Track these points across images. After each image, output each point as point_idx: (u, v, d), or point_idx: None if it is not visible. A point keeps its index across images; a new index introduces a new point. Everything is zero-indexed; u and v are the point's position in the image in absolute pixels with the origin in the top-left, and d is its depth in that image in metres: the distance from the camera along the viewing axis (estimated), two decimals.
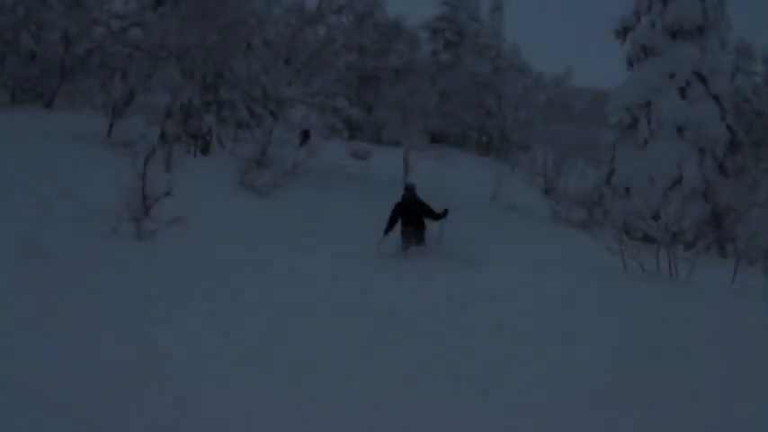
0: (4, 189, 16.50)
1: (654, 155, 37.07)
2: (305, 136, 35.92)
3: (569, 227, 34.62)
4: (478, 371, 8.03)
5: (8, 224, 12.26)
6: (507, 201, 38.76)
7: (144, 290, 9.56)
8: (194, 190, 17.84)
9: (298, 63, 37.49)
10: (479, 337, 9.23)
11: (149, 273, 10.66)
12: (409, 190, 18.79)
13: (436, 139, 59.14)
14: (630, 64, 40.70)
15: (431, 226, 18.35)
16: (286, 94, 36.10)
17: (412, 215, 18.04)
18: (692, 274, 15.64)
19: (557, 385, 7.72)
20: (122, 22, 33.61)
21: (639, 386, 7.75)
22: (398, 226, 18.05)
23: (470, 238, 22.23)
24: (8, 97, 36.27)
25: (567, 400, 7.38)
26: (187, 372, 7.20)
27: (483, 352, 8.66)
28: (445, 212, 18.35)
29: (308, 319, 9.31)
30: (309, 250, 15.10)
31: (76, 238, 12.09)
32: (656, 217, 18.67)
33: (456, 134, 68.14)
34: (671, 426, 6.94)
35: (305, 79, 39.48)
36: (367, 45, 44.08)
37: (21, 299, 8.57)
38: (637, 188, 36.80)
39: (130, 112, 30.34)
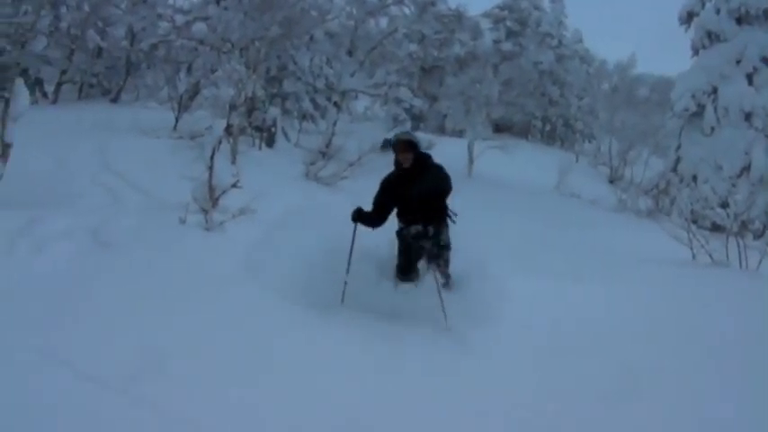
0: (73, 181, 16.70)
1: (721, 142, 36.64)
2: (386, 144, 36.26)
3: (635, 216, 34.29)
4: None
5: (78, 216, 12.38)
6: (572, 190, 38.51)
7: (212, 278, 9.62)
8: (260, 182, 17.87)
9: (360, 54, 37.55)
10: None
11: (218, 263, 10.73)
12: (405, 144, 10.61)
13: (499, 128, 59.05)
14: (695, 50, 40.25)
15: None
16: (349, 85, 36.20)
17: (415, 201, 10.12)
18: (762, 263, 15.43)
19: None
20: (186, 16, 33.88)
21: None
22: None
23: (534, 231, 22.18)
24: (76, 93, 36.74)
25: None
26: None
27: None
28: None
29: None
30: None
31: (145, 230, 12.19)
32: (724, 205, 18.45)
33: (519, 123, 67.97)
34: None
35: (368, 70, 39.52)
36: (429, 35, 43.93)
37: (91, 289, 8.66)
38: (704, 176, 36.46)
39: (195, 106, 30.59)
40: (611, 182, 50.71)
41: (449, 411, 6.70)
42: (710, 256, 16.05)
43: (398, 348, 8.22)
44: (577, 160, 57.91)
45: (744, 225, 18.55)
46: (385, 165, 28.51)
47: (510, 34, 71.54)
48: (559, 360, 7.95)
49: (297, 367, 7.37)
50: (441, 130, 61.79)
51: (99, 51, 36.55)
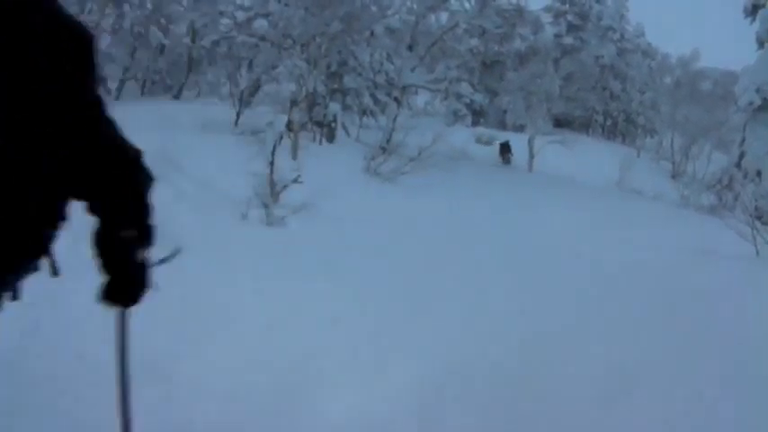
0: None
1: None
2: (504, 150, 36.38)
3: (698, 212, 33.93)
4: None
5: None
6: (634, 185, 38.19)
7: (275, 274, 9.66)
8: (321, 177, 17.96)
9: (421, 49, 37.54)
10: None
11: (281, 257, 10.79)
12: None
13: (560, 123, 58.75)
14: (761, 43, 39.61)
15: None
16: (410, 80, 36.18)
17: None
18: None
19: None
20: (247, 13, 34.10)
21: None
22: None
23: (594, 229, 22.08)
24: (139, 90, 37.19)
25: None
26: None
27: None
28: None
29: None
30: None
31: (208, 225, 12.28)
32: None
33: (580, 118, 67.55)
34: None
35: (428, 65, 39.51)
36: (490, 30, 43.83)
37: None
38: None
39: (257, 102, 30.79)
40: (674, 177, 50.26)
41: None
42: None
43: None
44: (639, 155, 57.46)
45: None
46: (446, 160, 28.53)
47: (571, 28, 71.15)
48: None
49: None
50: (501, 126, 61.64)
51: (161, 48, 36.99)
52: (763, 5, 39.44)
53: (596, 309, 9.68)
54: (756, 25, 39.86)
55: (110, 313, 3.20)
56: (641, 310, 9.69)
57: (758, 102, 37.77)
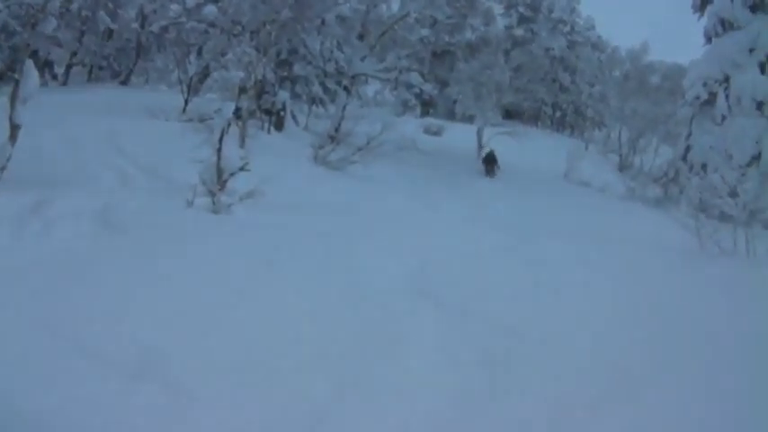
0: (82, 162, 16.76)
1: (732, 131, 36.53)
2: (489, 161, 35.95)
3: (644, 204, 34.25)
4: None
5: (86, 197, 12.43)
6: (581, 177, 38.45)
7: (218, 261, 9.65)
8: (268, 165, 17.93)
9: (371, 38, 37.49)
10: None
11: (224, 245, 10.77)
12: None
13: (510, 114, 59.10)
14: (708, 38, 40.11)
15: None
16: (359, 69, 36.16)
17: None
18: None
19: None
20: None
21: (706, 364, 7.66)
22: None
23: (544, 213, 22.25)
24: (86, 75, 36.86)
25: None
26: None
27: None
28: None
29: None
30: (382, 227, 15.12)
31: (153, 212, 12.24)
32: (733, 194, 18.36)
33: (530, 110, 68.05)
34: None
35: (378, 55, 39.47)
36: (441, 20, 43.92)
37: (97, 272, 8.70)
38: (714, 165, 36.31)
39: (205, 89, 30.67)
40: (621, 170, 50.67)
41: None
42: (718, 245, 16.02)
43: None
44: (587, 148, 57.91)
45: (752, 215, 18.51)
46: (394, 150, 28.64)
47: (522, 20, 71.54)
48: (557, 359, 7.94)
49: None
50: (451, 116, 61.87)
51: (109, 33, 36.66)
52: (712, 1, 39.87)
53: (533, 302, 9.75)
54: (704, 20, 40.31)
55: None
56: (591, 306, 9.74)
57: (705, 96, 38.21)
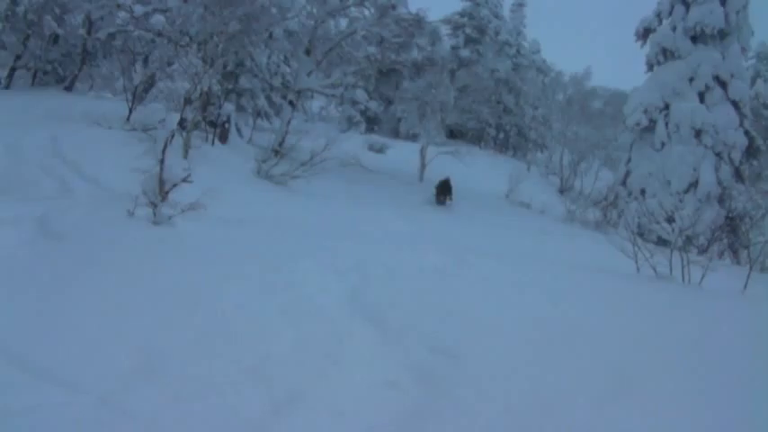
0: (23, 170, 16.64)
1: (670, 158, 37.17)
2: (442, 189, 34.93)
3: (583, 226, 34.59)
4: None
5: (26, 205, 12.38)
6: (522, 198, 38.74)
7: (155, 273, 9.65)
8: (211, 177, 17.93)
9: (318, 54, 37.53)
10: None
11: (163, 257, 10.76)
12: None
13: (454, 134, 59.32)
14: (650, 66, 40.83)
15: None
16: (305, 84, 36.19)
17: None
18: (705, 278, 15.64)
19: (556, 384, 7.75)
20: (145, 7, 33.71)
21: (639, 386, 7.78)
22: None
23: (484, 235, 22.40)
24: (29, 79, 36.53)
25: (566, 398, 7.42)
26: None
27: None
28: None
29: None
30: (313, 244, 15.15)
31: (93, 221, 12.20)
32: (670, 220, 18.64)
33: (474, 130, 68.34)
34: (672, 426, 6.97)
35: (325, 70, 39.52)
36: (388, 38, 43.98)
37: (35, 280, 8.68)
38: (652, 190, 37.00)
39: (150, 98, 30.50)
40: (562, 192, 51.12)
41: None
42: (654, 269, 16.23)
43: None
44: (529, 169, 58.29)
45: (688, 240, 18.79)
46: (337, 166, 28.75)
47: (468, 41, 71.87)
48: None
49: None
50: (395, 134, 62.05)
51: (55, 38, 36.38)
52: (654, 30, 40.52)
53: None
54: (647, 48, 40.96)
55: None
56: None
57: (645, 122, 38.77)
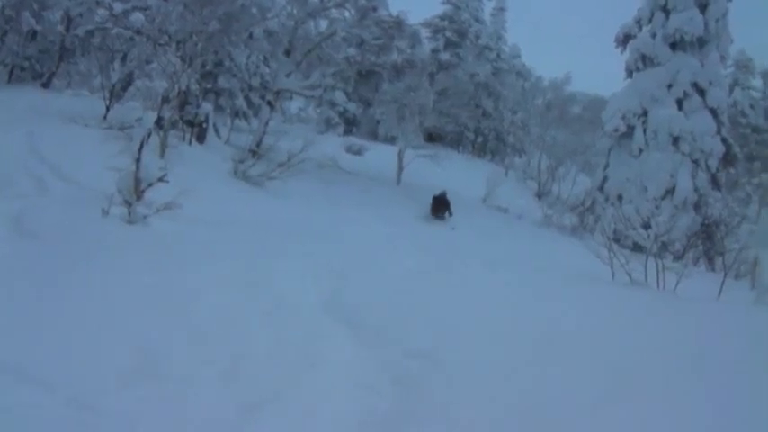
0: None
1: (648, 164, 37.35)
2: (438, 205, 32.60)
3: (560, 231, 34.67)
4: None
5: (1, 203, 12.31)
6: (500, 203, 38.78)
7: (128, 273, 9.61)
8: (187, 177, 17.82)
9: (298, 55, 37.44)
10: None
11: (138, 257, 10.71)
12: None
13: (432, 137, 59.28)
14: (629, 72, 41.02)
15: None
16: (284, 85, 36.10)
17: None
18: (680, 284, 15.68)
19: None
20: (125, 5, 33.54)
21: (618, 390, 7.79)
22: None
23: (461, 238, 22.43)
24: (6, 75, 36.30)
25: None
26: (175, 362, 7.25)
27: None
28: None
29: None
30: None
31: (68, 220, 12.13)
32: (646, 226, 18.71)
33: (452, 134, 68.33)
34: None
35: (304, 71, 39.44)
36: (368, 40, 43.96)
37: (8, 278, 8.63)
38: (629, 196, 37.15)
39: (128, 97, 30.36)
40: (539, 197, 51.19)
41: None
42: (629, 275, 16.27)
43: None
44: (507, 174, 58.36)
45: (664, 246, 18.87)
46: (314, 168, 28.65)
47: (449, 45, 71.87)
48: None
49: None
50: (373, 136, 61.96)
51: (33, 35, 36.16)
52: (634, 37, 40.69)
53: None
54: (626, 55, 41.15)
55: None
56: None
57: (623, 129, 38.95)
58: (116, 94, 29.92)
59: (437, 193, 33.01)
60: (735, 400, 7.54)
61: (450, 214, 32.09)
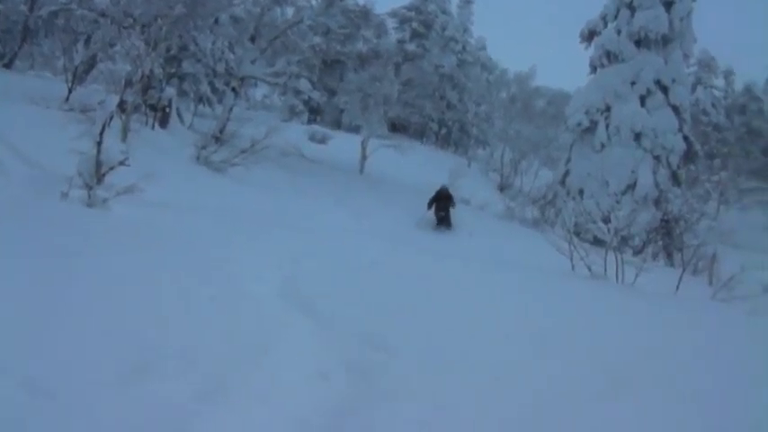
0: None
1: (609, 159, 37.62)
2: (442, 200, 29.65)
3: (522, 224, 34.83)
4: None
5: None
6: (462, 194, 38.86)
7: (83, 256, 9.53)
8: (149, 162, 17.74)
9: (263, 42, 37.34)
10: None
11: (96, 241, 10.64)
12: None
13: (396, 128, 59.31)
14: (594, 68, 41.27)
15: None
16: (249, 71, 36.00)
17: None
18: (638, 279, 15.81)
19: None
20: None
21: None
22: None
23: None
24: None
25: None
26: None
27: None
28: None
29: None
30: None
31: (27, 202, 12.04)
32: (606, 220, 18.83)
33: (416, 125, 68.48)
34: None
35: (269, 58, 39.34)
36: (334, 29, 43.97)
37: None
38: (590, 191, 37.39)
39: (91, 79, 30.14)
40: (501, 189, 51.38)
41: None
42: (589, 268, 16.38)
43: None
44: (470, 165, 58.56)
45: (624, 240, 19.00)
46: (278, 155, 28.59)
47: (414, 35, 71.95)
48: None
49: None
50: (337, 125, 62.02)
51: None
52: (599, 33, 40.90)
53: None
54: (591, 51, 41.38)
55: None
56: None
57: (586, 123, 39.17)
58: (79, 76, 29.71)
59: (438, 188, 30.27)
60: (696, 394, 7.62)
61: (454, 206, 29.70)
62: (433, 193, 30.20)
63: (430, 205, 29.19)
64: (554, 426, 6.79)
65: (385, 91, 43.34)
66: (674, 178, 38.84)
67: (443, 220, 28.73)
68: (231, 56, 37.12)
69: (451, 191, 30.64)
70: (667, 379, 8.04)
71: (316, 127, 56.67)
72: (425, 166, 46.04)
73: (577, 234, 21.75)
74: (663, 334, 10.31)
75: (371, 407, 6.75)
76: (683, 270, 18.76)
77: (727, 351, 9.65)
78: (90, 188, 13.09)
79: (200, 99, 39.14)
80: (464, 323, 9.58)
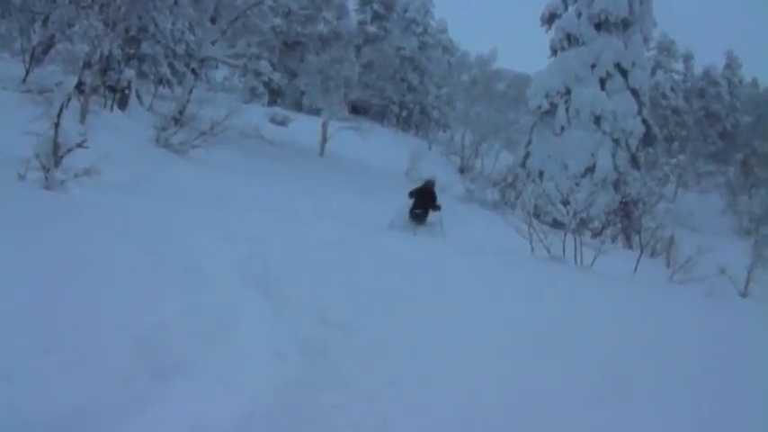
0: None
1: (569, 142, 37.86)
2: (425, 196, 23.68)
3: (482, 206, 34.97)
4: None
5: None
6: (422, 176, 38.92)
7: (40, 238, 9.46)
8: (108, 144, 17.64)
9: (224, 23, 37.12)
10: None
11: (53, 223, 10.56)
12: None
13: (357, 110, 59.36)
14: (554, 51, 41.46)
15: None
16: (209, 52, 35.79)
17: None
18: (597, 260, 15.93)
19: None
20: None
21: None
22: None
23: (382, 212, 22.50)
24: None
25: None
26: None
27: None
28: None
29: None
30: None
31: None
32: (565, 203, 18.95)
33: (377, 107, 68.52)
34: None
35: (229, 40, 39.13)
36: (295, 10, 43.81)
37: None
38: (550, 173, 37.61)
39: (48, 60, 29.84)
40: (462, 172, 51.51)
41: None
42: (548, 250, 16.48)
43: None
44: (430, 148, 58.76)
45: (582, 222, 19.15)
46: (238, 137, 28.49)
47: (376, 17, 71.88)
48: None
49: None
50: (298, 107, 61.82)
51: None
52: (560, 16, 41.04)
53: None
54: (552, 34, 41.52)
55: None
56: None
57: (546, 106, 39.38)
58: (36, 57, 29.43)
59: (420, 184, 25.26)
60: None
61: (439, 205, 23.71)
62: (413, 185, 26.45)
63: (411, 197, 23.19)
64: (499, 391, 6.85)
65: (346, 73, 43.33)
66: (633, 161, 39.17)
67: (418, 218, 22.68)
68: (191, 37, 36.90)
69: (410, 173, 29.86)
70: (619, 354, 8.13)
71: (276, 109, 56.46)
72: (386, 149, 46.13)
73: (537, 216, 21.91)
74: (618, 314, 10.42)
75: (326, 385, 6.76)
76: (641, 252, 18.95)
77: (683, 331, 9.78)
78: (47, 170, 12.98)
79: (160, 81, 38.89)
80: (422, 302, 9.63)
